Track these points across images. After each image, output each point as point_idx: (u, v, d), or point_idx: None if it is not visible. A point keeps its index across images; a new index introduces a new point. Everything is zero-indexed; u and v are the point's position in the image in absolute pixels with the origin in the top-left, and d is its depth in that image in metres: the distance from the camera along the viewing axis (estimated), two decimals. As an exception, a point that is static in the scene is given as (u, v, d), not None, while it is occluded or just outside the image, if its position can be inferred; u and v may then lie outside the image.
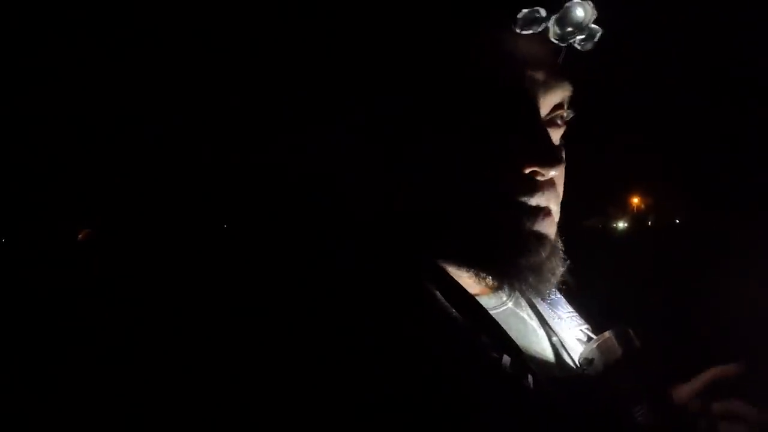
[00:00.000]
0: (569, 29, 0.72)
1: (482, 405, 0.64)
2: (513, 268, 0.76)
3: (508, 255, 0.75)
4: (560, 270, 0.80)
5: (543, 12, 0.71)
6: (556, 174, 0.76)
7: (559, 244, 0.80)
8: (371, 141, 0.79)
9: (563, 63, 0.77)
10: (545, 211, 0.76)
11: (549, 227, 0.77)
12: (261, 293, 0.71)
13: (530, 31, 0.71)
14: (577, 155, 0.85)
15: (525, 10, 0.70)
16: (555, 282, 0.80)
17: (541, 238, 0.76)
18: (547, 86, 0.74)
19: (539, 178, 0.74)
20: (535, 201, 0.75)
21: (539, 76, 0.74)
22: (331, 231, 0.79)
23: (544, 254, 0.76)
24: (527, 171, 0.73)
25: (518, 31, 0.71)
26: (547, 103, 0.75)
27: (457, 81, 0.73)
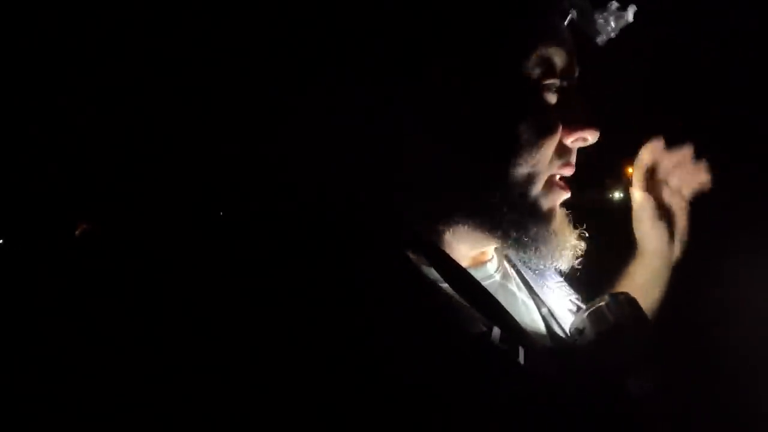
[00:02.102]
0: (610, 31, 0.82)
1: (470, 379, 0.66)
2: (530, 238, 0.80)
3: (529, 224, 0.80)
4: (572, 242, 0.83)
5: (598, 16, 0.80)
6: (595, 140, 0.82)
7: (569, 217, 0.85)
8: (385, 119, 0.82)
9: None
10: (568, 184, 0.83)
11: (565, 198, 0.83)
12: (258, 278, 0.74)
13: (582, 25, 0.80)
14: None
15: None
16: (566, 255, 0.82)
17: (554, 210, 0.82)
18: (571, 58, 0.80)
19: (579, 144, 0.81)
20: (563, 171, 0.82)
21: (572, 53, 0.80)
22: (325, 207, 0.82)
23: (557, 224, 0.82)
24: (573, 138, 0.80)
25: (572, 22, 0.79)
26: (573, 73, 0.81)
27: (498, 54, 0.78)
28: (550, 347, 0.82)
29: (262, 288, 0.71)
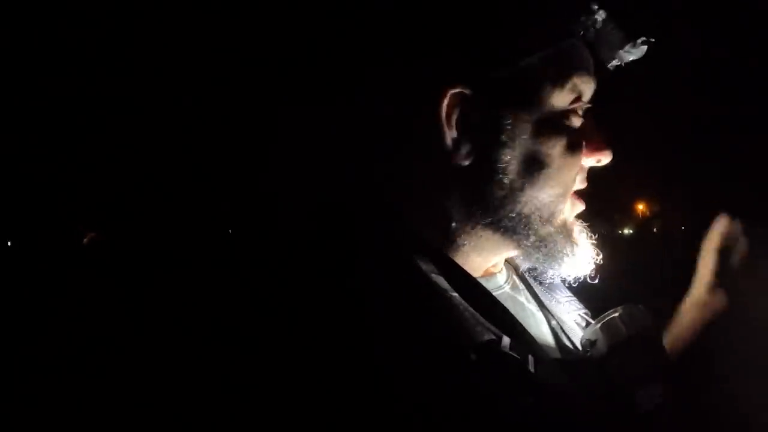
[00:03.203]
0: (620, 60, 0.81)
1: (480, 386, 0.64)
2: (544, 250, 0.79)
3: (536, 228, 0.79)
4: (572, 252, 0.81)
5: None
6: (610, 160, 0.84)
7: (577, 228, 0.84)
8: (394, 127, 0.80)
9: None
10: (582, 199, 0.84)
11: (578, 211, 0.84)
12: (261, 286, 0.72)
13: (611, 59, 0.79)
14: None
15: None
16: (585, 264, 0.82)
17: (572, 224, 0.83)
18: (590, 85, 0.80)
19: (595, 163, 0.83)
20: (581, 186, 0.83)
21: (591, 75, 0.80)
22: (337, 217, 0.81)
23: (553, 228, 0.80)
24: (594, 159, 0.82)
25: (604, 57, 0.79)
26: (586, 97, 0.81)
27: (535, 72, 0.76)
28: (560, 358, 0.80)
29: (275, 293, 0.71)
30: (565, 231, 0.81)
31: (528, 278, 0.91)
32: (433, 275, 0.74)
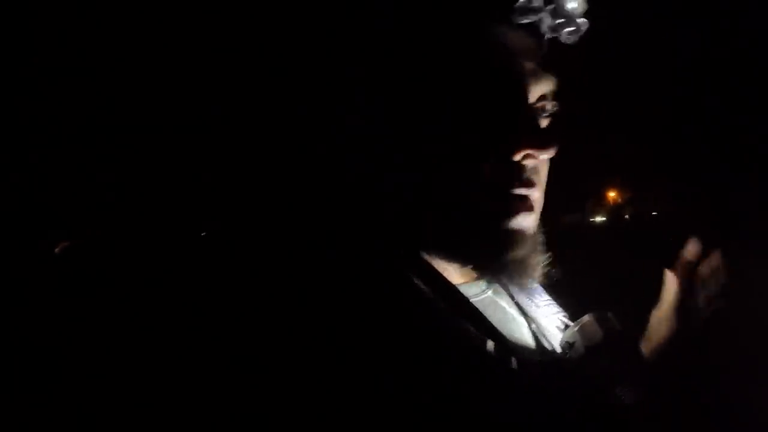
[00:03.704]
0: (560, 20, 0.78)
1: (470, 387, 0.68)
2: (497, 263, 0.81)
3: (492, 251, 0.80)
4: (542, 262, 0.83)
5: (539, 2, 0.76)
6: (548, 156, 0.81)
7: (541, 237, 0.85)
8: (361, 135, 0.83)
9: (548, 56, 0.82)
10: (529, 203, 0.81)
11: (532, 220, 0.82)
12: (247, 294, 0.74)
13: (525, 21, 0.76)
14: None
15: (522, 0, 0.75)
16: (537, 274, 0.82)
17: (525, 232, 0.80)
18: (536, 76, 0.80)
19: (530, 162, 0.79)
20: (521, 191, 0.79)
21: (528, 65, 0.79)
22: (319, 225, 0.83)
23: (527, 248, 0.81)
24: (519, 155, 0.78)
25: (515, 20, 0.76)
26: (534, 93, 0.80)
27: (450, 67, 0.77)
28: (541, 360, 0.84)
29: (255, 303, 0.73)
30: (510, 244, 0.80)
31: (507, 283, 0.94)
32: (420, 284, 0.76)
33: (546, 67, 0.81)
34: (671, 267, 0.97)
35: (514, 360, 0.72)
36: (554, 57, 0.83)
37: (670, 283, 1.03)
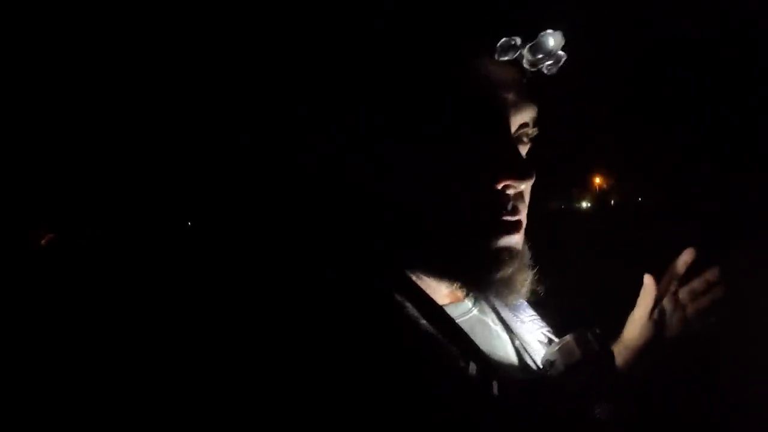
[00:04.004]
0: (540, 56, 0.78)
1: (451, 411, 0.68)
2: (484, 282, 0.80)
3: (479, 270, 0.79)
4: (529, 280, 0.84)
5: (519, 41, 0.76)
6: (527, 187, 0.81)
7: (528, 255, 0.85)
8: (347, 154, 0.82)
9: (529, 86, 0.82)
10: (516, 225, 0.80)
11: (519, 240, 0.81)
12: (230, 308, 0.72)
13: (506, 58, 0.76)
14: (539, 136, 0.89)
15: (503, 39, 0.76)
16: (524, 292, 0.84)
17: (512, 252, 0.80)
18: (517, 106, 0.79)
19: (511, 191, 0.78)
20: (506, 215, 0.79)
21: (510, 97, 0.78)
22: (303, 241, 0.83)
23: (514, 266, 0.80)
24: (500, 185, 0.77)
25: (496, 57, 0.76)
26: (515, 122, 0.80)
27: (434, 100, 0.77)
28: (522, 378, 0.85)
29: (240, 317, 0.71)
30: (494, 264, 0.79)
31: (493, 300, 0.94)
32: (407, 304, 0.77)
33: (527, 97, 0.81)
34: (651, 272, 1.00)
35: (495, 384, 0.73)
36: (535, 86, 0.83)
37: (649, 288, 1.06)
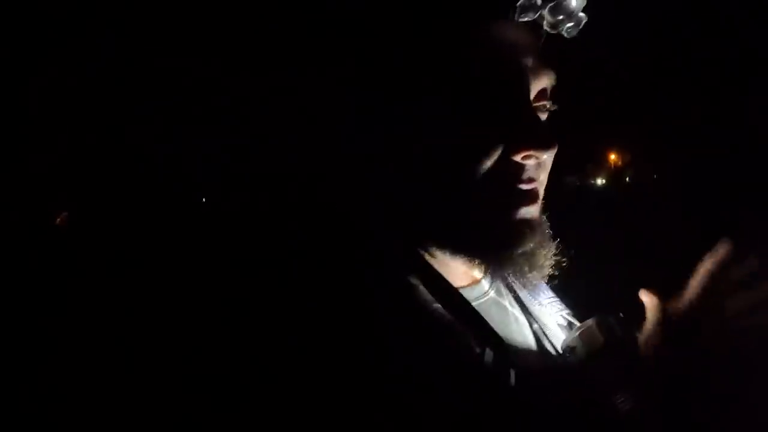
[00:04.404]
0: (561, 17, 0.75)
1: (466, 402, 0.66)
2: (505, 257, 0.78)
3: (500, 244, 0.77)
4: (551, 255, 0.81)
5: (539, 0, 0.73)
6: (549, 156, 0.78)
7: (547, 228, 0.82)
8: (362, 129, 0.79)
9: (546, 50, 0.79)
10: (533, 194, 0.78)
11: (537, 210, 0.80)
12: (247, 284, 0.72)
13: (526, 19, 0.73)
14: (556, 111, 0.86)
15: None
16: (547, 267, 0.81)
17: (532, 224, 0.78)
18: (535, 72, 0.77)
19: (531, 161, 0.76)
20: (526, 186, 0.77)
21: (528, 62, 0.76)
22: (318, 222, 0.80)
23: (534, 239, 0.78)
24: (521, 155, 0.75)
25: (515, 18, 0.73)
26: (534, 88, 0.78)
27: (451, 67, 0.74)
28: (541, 365, 0.83)
29: (255, 295, 0.70)
30: (513, 237, 0.78)
31: (511, 281, 0.93)
32: (422, 287, 0.75)
33: (545, 62, 0.79)
34: (646, 286, 0.91)
35: (512, 373, 0.71)
36: (553, 51, 0.81)
37: (651, 305, 0.92)
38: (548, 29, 0.77)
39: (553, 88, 0.82)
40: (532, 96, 0.78)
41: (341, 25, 0.83)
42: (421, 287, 0.76)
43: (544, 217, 0.83)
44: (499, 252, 0.78)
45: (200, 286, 0.75)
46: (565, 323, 0.91)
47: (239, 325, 0.67)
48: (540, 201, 0.81)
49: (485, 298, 0.85)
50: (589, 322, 0.84)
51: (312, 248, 0.75)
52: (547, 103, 0.80)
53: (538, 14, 0.74)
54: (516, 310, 0.89)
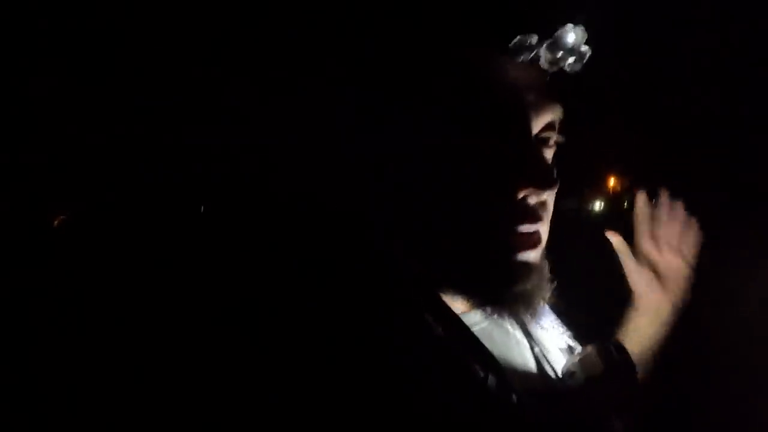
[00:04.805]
0: (560, 54, 0.78)
1: (472, 422, 0.70)
2: (502, 297, 0.81)
3: (497, 285, 0.80)
4: (547, 293, 0.85)
5: (535, 39, 0.76)
6: (550, 194, 0.80)
7: (547, 268, 0.85)
8: (367, 163, 0.83)
9: (552, 84, 0.81)
10: (535, 238, 0.81)
11: (538, 254, 0.82)
12: (255, 297, 0.76)
13: (522, 58, 0.76)
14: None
15: (518, 37, 0.75)
16: (542, 305, 0.82)
17: (531, 267, 0.80)
18: (539, 108, 0.79)
19: (532, 200, 0.79)
20: (526, 227, 0.79)
21: (530, 98, 0.78)
22: (326, 234, 0.84)
23: (533, 283, 0.81)
24: (521, 195, 0.78)
25: (512, 58, 0.76)
26: (537, 124, 0.80)
27: (450, 104, 0.77)
28: (540, 387, 0.87)
29: (261, 295, 0.74)
30: (511, 278, 0.80)
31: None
32: (425, 312, 0.78)
33: (550, 97, 0.81)
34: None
35: (514, 397, 0.74)
36: (559, 84, 0.83)
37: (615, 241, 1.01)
38: (548, 67, 0.79)
39: (561, 120, 0.83)
40: (536, 131, 0.79)
41: (342, 62, 0.83)
42: (425, 313, 0.78)
43: (544, 258, 0.84)
44: (494, 293, 0.81)
45: (204, 288, 0.75)
46: (565, 347, 0.92)
47: (238, 330, 0.68)
48: (542, 245, 0.82)
49: (487, 322, 0.88)
50: (589, 348, 0.86)
51: (317, 259, 0.78)
52: (555, 136, 0.82)
53: (534, 53, 0.76)
54: (518, 333, 0.94)
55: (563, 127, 0.84)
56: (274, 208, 0.86)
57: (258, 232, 0.81)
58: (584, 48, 0.80)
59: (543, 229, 0.82)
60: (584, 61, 0.81)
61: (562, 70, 0.80)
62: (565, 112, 0.83)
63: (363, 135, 0.83)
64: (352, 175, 0.85)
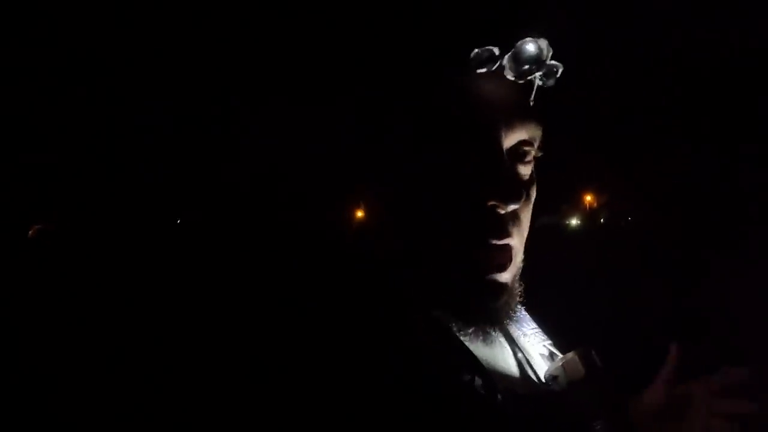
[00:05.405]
0: (525, 66, 0.74)
1: (462, 421, 0.69)
2: (473, 311, 0.78)
3: (466, 301, 0.77)
4: (516, 308, 0.82)
5: (496, 51, 0.73)
6: (518, 207, 0.77)
7: (518, 285, 0.81)
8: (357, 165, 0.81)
9: (532, 103, 0.78)
10: (506, 254, 0.77)
11: (509, 270, 0.78)
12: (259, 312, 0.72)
13: (485, 70, 0.73)
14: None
15: (477, 50, 0.72)
16: (511, 317, 0.83)
17: (499, 284, 0.77)
18: (510, 122, 0.76)
19: (501, 211, 0.75)
20: (495, 240, 0.76)
21: (499, 111, 0.75)
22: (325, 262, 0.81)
23: (501, 300, 0.78)
24: (489, 204, 0.75)
25: (474, 69, 0.73)
26: (510, 138, 0.76)
27: (416, 118, 0.75)
28: (524, 390, 0.85)
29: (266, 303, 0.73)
30: (479, 294, 0.77)
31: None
32: (412, 318, 0.76)
33: (525, 113, 0.77)
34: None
35: (499, 397, 0.73)
36: (540, 104, 0.79)
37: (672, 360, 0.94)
38: (514, 79, 0.75)
39: (541, 137, 0.80)
40: (508, 144, 0.76)
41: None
42: (415, 320, 0.76)
43: (516, 280, 0.81)
44: (467, 310, 0.78)
45: (204, 288, 0.76)
46: (546, 353, 0.94)
47: (238, 330, 0.69)
48: (514, 265, 0.79)
49: (472, 329, 0.84)
50: (571, 354, 0.88)
51: (318, 274, 0.77)
52: (532, 151, 0.79)
53: (497, 64, 0.73)
54: (501, 338, 0.91)
55: (544, 144, 0.81)
56: (268, 217, 0.88)
57: (253, 239, 0.82)
58: (554, 62, 0.77)
59: (514, 243, 0.78)
60: (557, 75, 0.78)
61: (538, 86, 0.77)
62: (547, 130, 0.81)
63: (345, 149, 0.83)
64: (330, 190, 0.83)
